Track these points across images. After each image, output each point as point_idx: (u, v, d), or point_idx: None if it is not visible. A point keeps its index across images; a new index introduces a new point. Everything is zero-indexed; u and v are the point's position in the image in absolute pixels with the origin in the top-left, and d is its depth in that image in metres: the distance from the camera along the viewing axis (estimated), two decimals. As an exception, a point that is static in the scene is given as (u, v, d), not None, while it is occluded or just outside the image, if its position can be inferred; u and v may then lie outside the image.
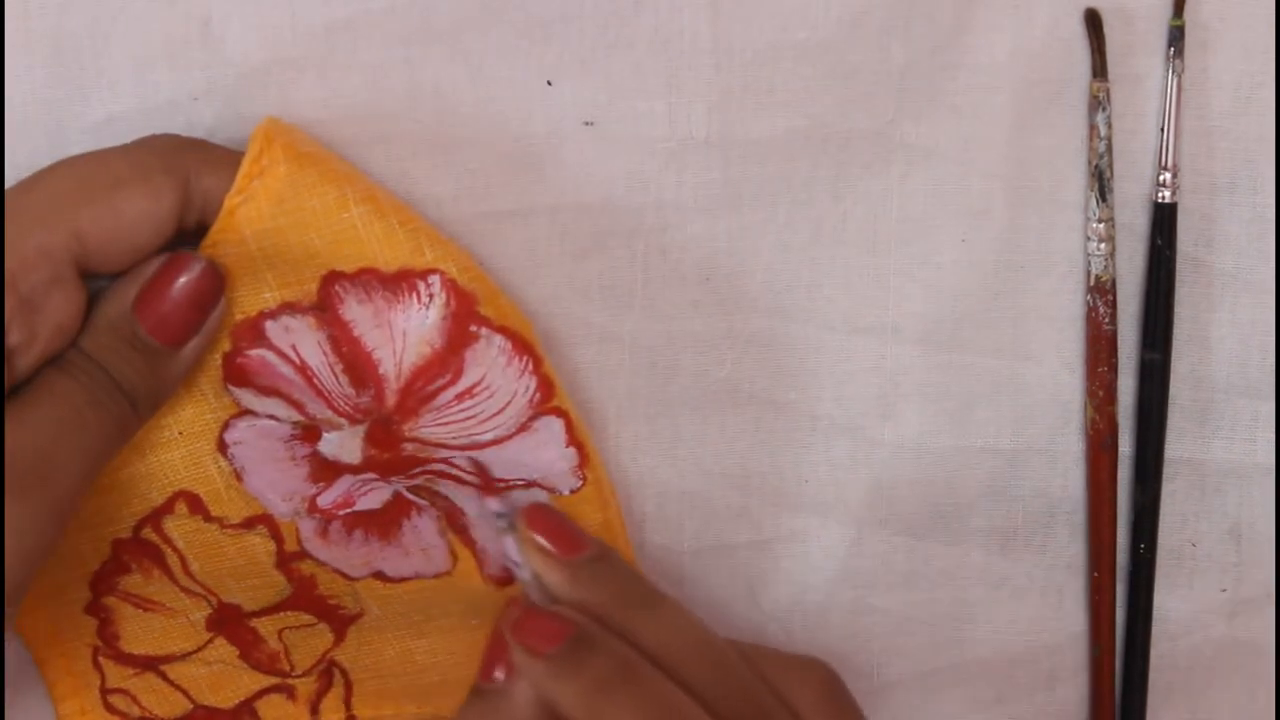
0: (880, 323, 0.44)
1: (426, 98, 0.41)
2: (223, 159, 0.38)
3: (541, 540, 0.39)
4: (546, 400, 0.41)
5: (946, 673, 0.48)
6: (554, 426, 0.41)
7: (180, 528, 0.41)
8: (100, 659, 0.42)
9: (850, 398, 0.45)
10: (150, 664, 0.42)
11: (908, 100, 0.43)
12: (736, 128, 0.42)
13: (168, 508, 0.41)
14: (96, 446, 0.36)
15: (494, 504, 0.41)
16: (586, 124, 0.42)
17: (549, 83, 0.41)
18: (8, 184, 0.40)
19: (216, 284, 0.38)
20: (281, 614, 0.43)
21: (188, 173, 0.37)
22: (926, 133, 0.43)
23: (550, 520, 0.40)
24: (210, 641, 0.43)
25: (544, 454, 0.41)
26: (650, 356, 0.44)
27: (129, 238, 0.36)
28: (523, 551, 0.39)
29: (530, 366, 0.41)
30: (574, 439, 0.42)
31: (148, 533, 0.41)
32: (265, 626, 0.43)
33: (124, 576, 0.42)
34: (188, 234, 0.38)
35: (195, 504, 0.41)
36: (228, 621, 0.43)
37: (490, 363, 0.40)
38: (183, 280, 0.37)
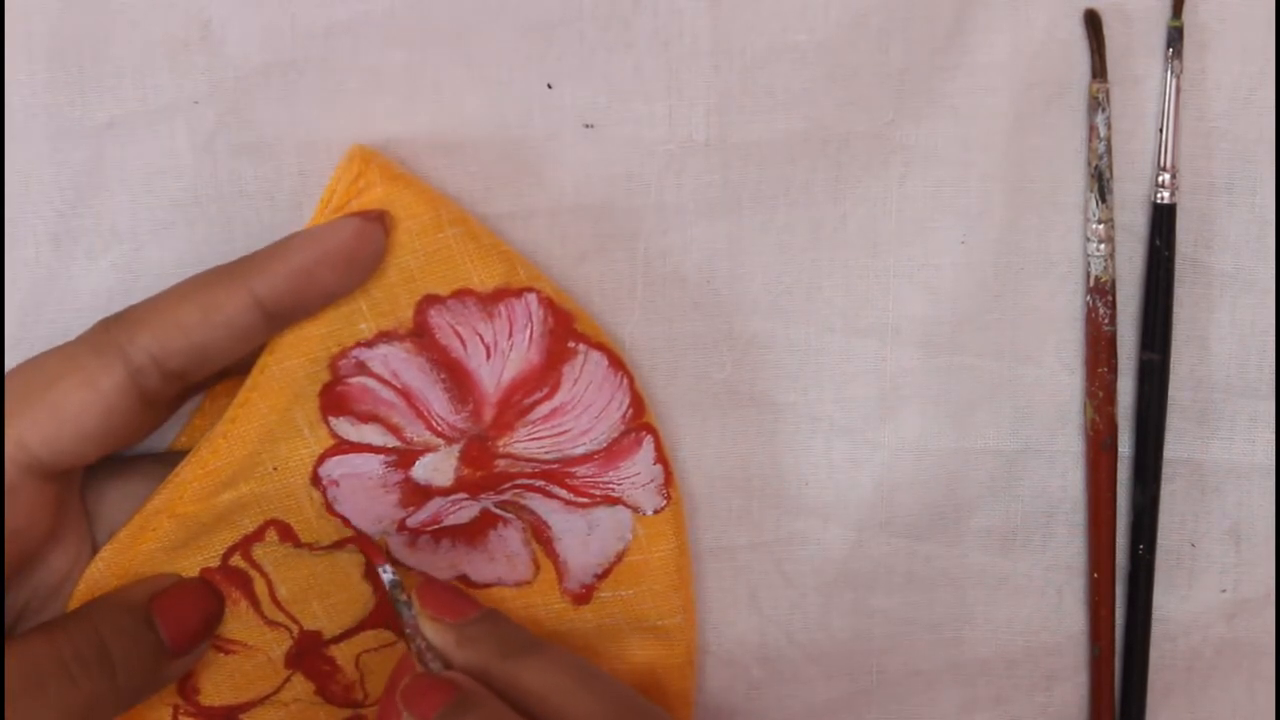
0: (880, 324, 0.44)
1: (426, 99, 0.41)
2: (148, 310, 0.37)
3: (432, 612, 0.41)
4: (638, 416, 0.42)
5: (946, 673, 0.48)
6: (645, 442, 0.42)
7: (270, 554, 0.41)
8: (180, 718, 0.42)
9: (850, 399, 0.45)
10: (230, 715, 0.42)
11: (907, 102, 0.43)
12: (736, 130, 0.42)
13: (258, 535, 0.41)
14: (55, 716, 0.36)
15: (388, 577, 0.41)
16: (586, 126, 0.42)
17: (549, 85, 0.41)
18: (8, 185, 0.40)
19: (220, 608, 0.41)
20: (361, 634, 0.43)
21: (120, 346, 0.37)
22: (926, 134, 0.43)
23: (441, 593, 0.41)
24: (288, 680, 0.43)
25: (633, 470, 0.42)
26: (651, 359, 0.44)
27: (75, 430, 0.36)
28: (417, 620, 0.40)
29: (625, 383, 0.41)
30: (661, 456, 0.42)
31: (237, 559, 0.41)
32: (343, 653, 0.43)
33: None
34: (157, 394, 0.38)
35: (286, 532, 0.41)
36: (306, 653, 0.42)
37: (588, 378, 0.41)
38: (197, 594, 0.40)
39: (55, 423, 0.36)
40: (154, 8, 0.39)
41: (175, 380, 0.37)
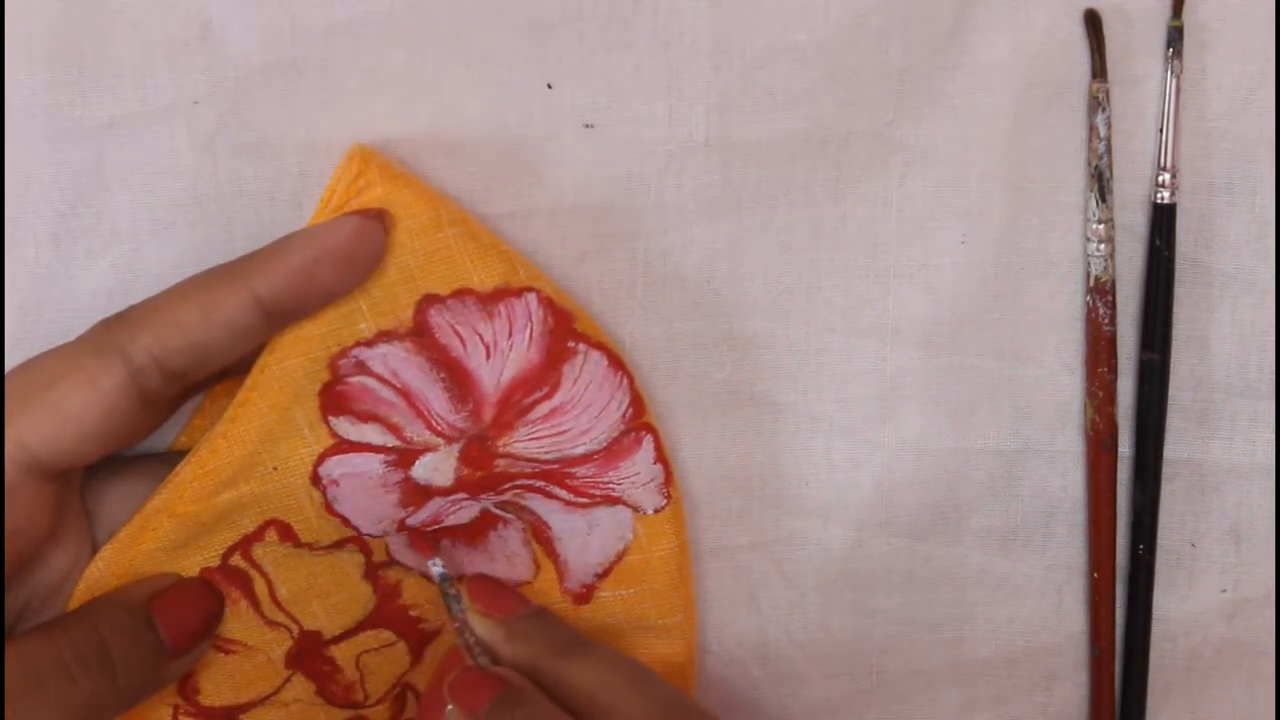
0: (880, 324, 0.44)
1: (426, 99, 0.41)
2: (148, 310, 0.37)
3: (482, 607, 0.41)
4: (638, 416, 0.42)
5: (946, 673, 0.48)
6: (645, 442, 0.42)
7: (270, 554, 0.41)
8: (180, 718, 0.42)
9: (851, 399, 0.45)
10: (230, 715, 0.42)
11: (907, 102, 0.43)
12: (736, 130, 0.42)
13: (258, 535, 0.41)
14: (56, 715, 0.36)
15: (438, 570, 0.41)
16: (586, 126, 0.42)
17: (549, 85, 0.41)
18: (8, 185, 0.40)
19: (220, 607, 0.41)
20: (361, 634, 0.43)
21: (121, 345, 0.37)
22: (926, 134, 0.43)
23: (491, 587, 0.42)
24: (288, 680, 0.42)
25: (633, 469, 0.42)
26: (651, 358, 0.44)
27: (76, 429, 0.37)
28: (466, 614, 0.41)
29: (625, 382, 0.41)
30: (661, 456, 0.42)
31: (236, 559, 0.41)
32: (343, 653, 0.43)
33: None
34: (157, 394, 0.38)
35: (286, 532, 0.41)
36: (306, 653, 0.42)
37: (588, 378, 0.41)
38: (197, 593, 0.40)
39: (56, 423, 0.36)
40: (154, 8, 0.39)
41: (175, 380, 0.38)
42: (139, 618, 0.38)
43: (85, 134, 0.40)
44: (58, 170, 0.40)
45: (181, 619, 0.39)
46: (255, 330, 0.38)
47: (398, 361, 0.39)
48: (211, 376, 0.40)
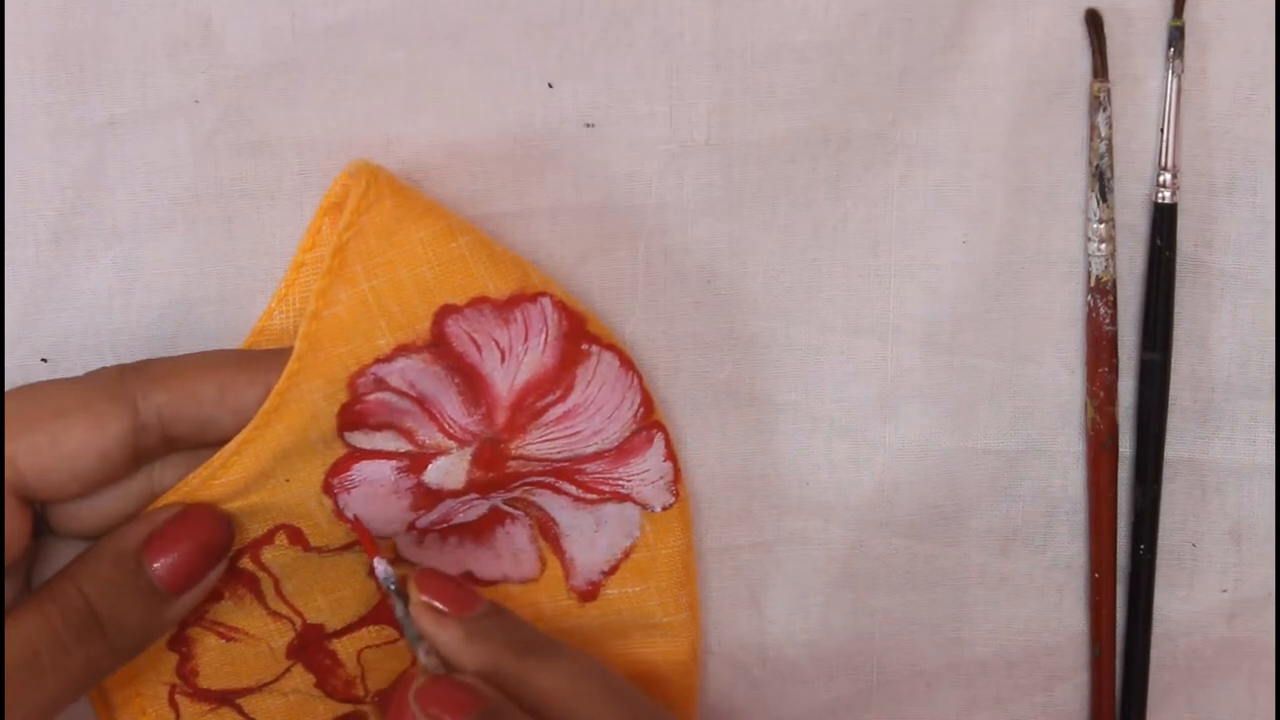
0: (881, 324, 0.44)
1: (426, 99, 0.41)
2: (168, 372, 0.38)
3: (434, 602, 0.38)
4: (649, 415, 0.42)
5: (946, 673, 0.48)
6: (655, 440, 0.42)
7: (279, 557, 0.41)
8: (176, 697, 0.42)
9: (851, 399, 0.45)
10: (226, 698, 0.42)
11: (908, 101, 0.43)
12: (737, 129, 0.42)
13: (268, 539, 0.40)
14: (52, 692, 0.36)
15: (381, 568, 0.39)
16: (587, 126, 0.42)
17: (550, 85, 0.41)
18: (8, 185, 0.40)
19: (228, 538, 0.39)
20: (364, 630, 0.43)
21: (134, 397, 0.37)
22: (926, 134, 0.43)
23: (441, 581, 0.39)
24: (288, 670, 0.42)
25: (643, 467, 0.42)
26: (651, 358, 0.44)
27: (70, 466, 0.36)
28: (414, 615, 0.38)
29: (636, 382, 0.41)
30: (670, 454, 0.42)
31: (245, 562, 0.41)
32: (345, 647, 0.43)
33: (214, 605, 0.41)
34: (154, 453, 0.38)
35: (295, 535, 0.40)
36: (308, 646, 0.42)
37: (601, 379, 0.41)
38: (197, 528, 0.38)
39: (53, 454, 0.36)
40: (154, 7, 0.39)
41: (168, 445, 0.38)
42: (127, 568, 0.37)
43: (85, 133, 0.40)
44: (58, 169, 0.40)
45: (176, 561, 0.38)
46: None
47: (415, 373, 0.39)
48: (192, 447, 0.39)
